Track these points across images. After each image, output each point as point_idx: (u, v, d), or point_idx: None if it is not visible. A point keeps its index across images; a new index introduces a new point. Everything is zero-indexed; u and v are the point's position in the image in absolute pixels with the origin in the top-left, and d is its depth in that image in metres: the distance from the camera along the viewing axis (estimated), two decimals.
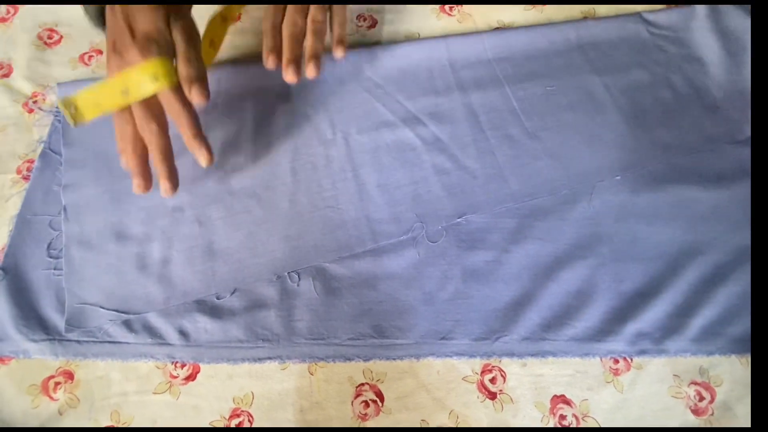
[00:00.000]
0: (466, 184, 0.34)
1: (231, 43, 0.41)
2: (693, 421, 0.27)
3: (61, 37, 0.42)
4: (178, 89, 0.28)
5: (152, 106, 0.28)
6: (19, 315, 0.30)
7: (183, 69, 0.28)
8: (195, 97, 0.28)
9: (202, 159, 0.29)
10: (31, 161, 0.36)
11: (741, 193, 0.32)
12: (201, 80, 0.28)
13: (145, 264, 0.32)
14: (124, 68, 0.28)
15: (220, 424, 0.28)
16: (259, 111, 0.37)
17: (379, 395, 0.29)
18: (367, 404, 0.28)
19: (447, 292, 0.30)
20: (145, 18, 0.28)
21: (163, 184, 0.29)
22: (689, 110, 0.35)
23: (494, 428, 0.27)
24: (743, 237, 0.31)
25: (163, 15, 0.29)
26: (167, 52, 0.28)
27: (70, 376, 0.30)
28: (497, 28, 0.40)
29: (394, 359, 0.29)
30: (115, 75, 0.28)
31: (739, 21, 0.37)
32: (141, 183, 0.28)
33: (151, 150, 0.29)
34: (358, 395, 0.29)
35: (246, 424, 0.28)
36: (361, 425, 0.28)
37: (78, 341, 0.30)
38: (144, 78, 0.27)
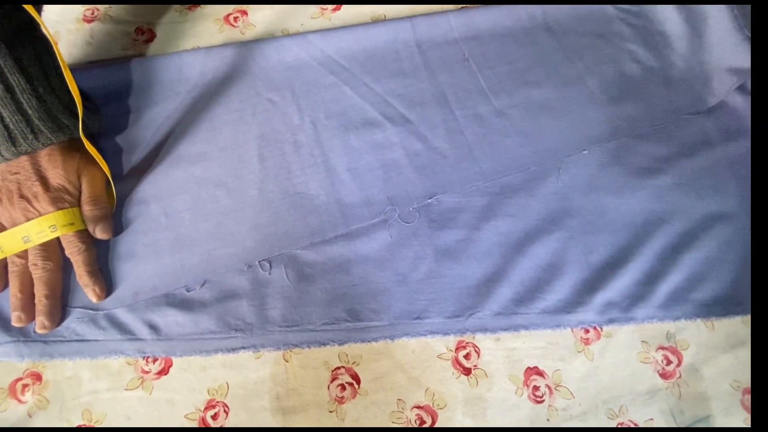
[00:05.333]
0: (437, 165, 0.33)
1: (194, 30, 0.40)
2: (661, 385, 0.28)
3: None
4: (78, 231, 0.30)
5: (49, 245, 0.30)
6: None
7: (89, 210, 0.30)
8: (99, 234, 0.31)
9: (93, 295, 0.30)
10: None
11: (704, 163, 0.33)
12: (106, 219, 0.31)
13: (110, 259, 0.31)
14: (31, 214, 0.29)
15: (195, 417, 0.28)
16: (223, 98, 0.36)
17: (355, 378, 0.29)
18: (343, 387, 0.28)
19: (420, 272, 0.30)
20: (58, 173, 0.30)
21: (39, 320, 0.29)
22: (653, 83, 0.36)
23: (499, 428, 0.28)
24: (706, 205, 0.32)
25: (76, 169, 0.31)
26: (77, 203, 0.30)
27: (38, 377, 0.29)
28: (463, 7, 0.39)
29: (369, 341, 0.29)
30: (20, 224, 0.29)
31: None
32: (21, 316, 0.29)
33: (37, 285, 0.29)
34: (334, 379, 0.29)
35: (221, 415, 0.28)
36: (338, 408, 0.28)
37: (44, 341, 0.29)
38: (44, 227, 0.29)
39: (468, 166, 0.33)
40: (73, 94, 0.27)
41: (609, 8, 0.39)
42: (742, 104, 0.35)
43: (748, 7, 0.36)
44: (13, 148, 0.28)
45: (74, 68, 0.38)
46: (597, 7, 0.39)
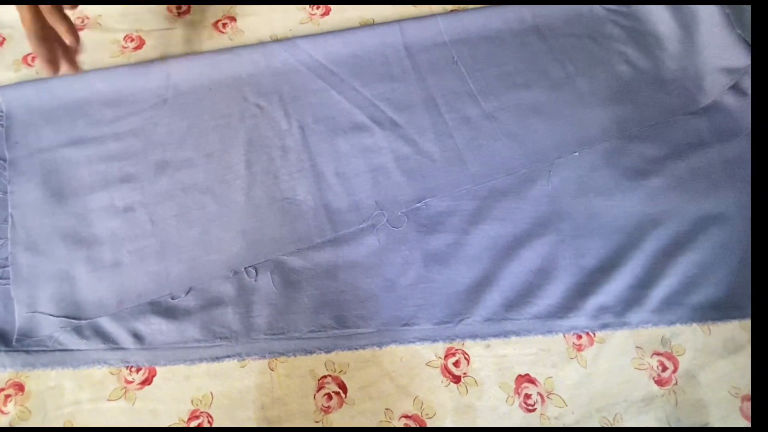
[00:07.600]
0: (425, 168, 0.33)
1: (183, 36, 0.40)
2: (657, 392, 0.27)
3: (3, 39, 0.41)
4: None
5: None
6: None
7: None
8: None
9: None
10: None
11: (697, 163, 0.33)
12: None
13: (95, 267, 0.31)
14: None
15: (179, 427, 0.27)
16: (211, 104, 0.36)
17: (342, 386, 0.28)
18: (330, 396, 0.28)
19: (408, 277, 0.30)
20: None
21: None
22: (645, 84, 0.35)
23: (498, 428, 0.27)
24: (701, 206, 0.31)
25: None
26: None
27: (20, 387, 0.29)
28: (453, 10, 0.39)
29: (356, 349, 0.29)
30: None
31: None
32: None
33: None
34: (320, 388, 0.28)
35: (206, 426, 0.27)
36: (325, 418, 0.27)
37: (27, 351, 0.29)
38: None
39: (457, 169, 0.33)
40: None
41: (599, 9, 0.39)
42: (736, 104, 0.34)
43: (740, 6, 0.35)
44: None
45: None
46: (587, 8, 0.38)
